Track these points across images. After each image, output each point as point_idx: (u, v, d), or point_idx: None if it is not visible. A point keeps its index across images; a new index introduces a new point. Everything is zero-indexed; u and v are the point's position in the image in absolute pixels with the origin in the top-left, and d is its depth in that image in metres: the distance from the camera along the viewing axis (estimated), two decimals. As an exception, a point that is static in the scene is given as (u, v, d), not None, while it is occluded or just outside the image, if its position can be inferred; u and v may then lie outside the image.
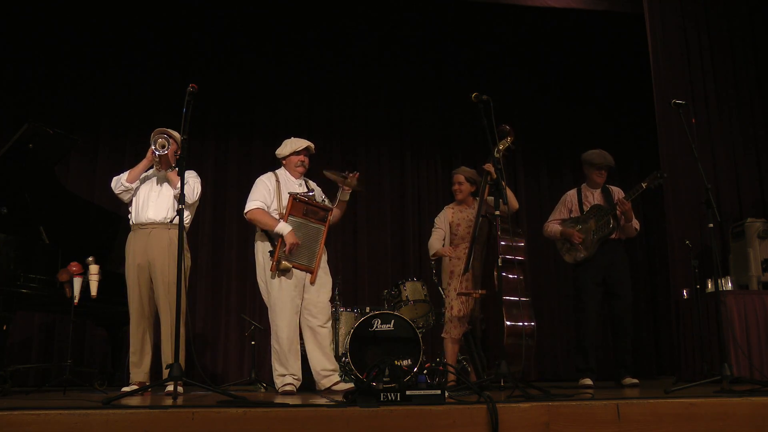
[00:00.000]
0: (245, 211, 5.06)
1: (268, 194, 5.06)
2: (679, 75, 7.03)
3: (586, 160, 5.89)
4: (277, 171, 5.23)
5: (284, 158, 5.22)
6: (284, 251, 4.86)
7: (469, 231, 5.60)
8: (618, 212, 5.55)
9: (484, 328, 5.47)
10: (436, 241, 5.71)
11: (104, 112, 8.13)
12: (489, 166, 5.18)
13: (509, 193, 4.61)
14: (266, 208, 5.02)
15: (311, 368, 4.98)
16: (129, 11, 7.94)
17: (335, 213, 5.21)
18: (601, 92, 9.10)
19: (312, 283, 4.97)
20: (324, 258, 5.13)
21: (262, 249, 5.06)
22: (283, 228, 4.90)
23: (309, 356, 4.98)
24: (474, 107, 4.41)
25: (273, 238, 4.97)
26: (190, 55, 8.32)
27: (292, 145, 5.19)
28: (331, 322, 5.15)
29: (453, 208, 5.79)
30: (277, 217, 4.99)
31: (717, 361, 5.18)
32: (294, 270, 4.91)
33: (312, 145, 5.21)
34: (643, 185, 5.53)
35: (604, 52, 8.77)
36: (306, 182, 5.28)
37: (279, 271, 4.88)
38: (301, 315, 4.98)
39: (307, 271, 4.97)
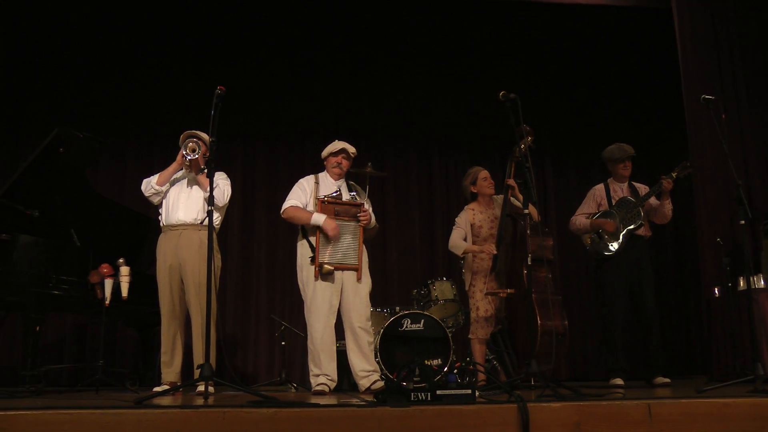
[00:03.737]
0: (281, 211, 5.11)
1: (303, 194, 5.11)
2: (708, 70, 6.91)
3: (606, 157, 5.93)
4: (319, 174, 5.28)
5: (324, 159, 5.27)
6: (325, 250, 4.91)
7: (491, 231, 5.58)
8: (664, 185, 5.55)
9: (508, 328, 5.43)
10: (459, 239, 5.62)
11: (132, 116, 8.21)
12: (510, 182, 5.33)
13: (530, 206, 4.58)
14: (301, 206, 5.05)
15: (351, 369, 5.00)
16: (158, 16, 8.00)
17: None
18: (629, 89, 9.01)
19: (358, 280, 4.98)
20: (364, 258, 5.11)
21: (301, 251, 5.08)
22: (318, 218, 4.93)
23: (349, 356, 4.99)
24: (501, 105, 4.40)
25: (310, 242, 4.98)
26: (216, 58, 8.34)
27: (330, 147, 5.24)
28: (369, 322, 5.05)
29: (473, 209, 5.72)
30: None
31: (749, 360, 5.10)
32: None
33: (349, 147, 5.21)
34: (673, 175, 5.59)
35: (631, 48, 8.67)
36: (348, 185, 5.27)
37: (322, 275, 4.90)
38: (342, 316, 4.99)
39: (351, 270, 4.98)
